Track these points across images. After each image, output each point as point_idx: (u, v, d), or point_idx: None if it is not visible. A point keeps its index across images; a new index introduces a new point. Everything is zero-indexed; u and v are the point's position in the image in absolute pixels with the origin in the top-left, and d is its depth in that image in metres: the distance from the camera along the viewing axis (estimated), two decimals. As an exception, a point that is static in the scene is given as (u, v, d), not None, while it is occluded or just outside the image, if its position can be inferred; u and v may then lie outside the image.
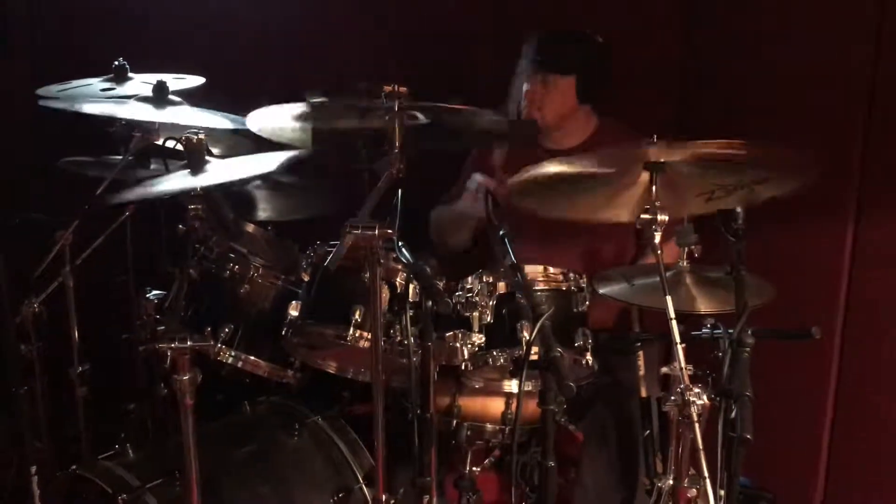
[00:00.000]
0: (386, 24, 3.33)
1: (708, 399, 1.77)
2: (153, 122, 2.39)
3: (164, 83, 2.36)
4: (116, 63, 2.45)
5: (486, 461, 2.33)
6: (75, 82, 2.46)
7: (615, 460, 2.38)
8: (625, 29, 2.91)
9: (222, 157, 2.54)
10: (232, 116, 2.39)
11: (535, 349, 1.81)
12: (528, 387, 1.96)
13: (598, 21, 2.83)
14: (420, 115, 2.04)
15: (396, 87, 1.92)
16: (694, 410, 1.76)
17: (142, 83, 2.43)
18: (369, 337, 1.98)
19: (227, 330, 2.32)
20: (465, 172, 2.88)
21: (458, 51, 3.23)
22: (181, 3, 3.39)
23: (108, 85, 2.42)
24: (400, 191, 1.94)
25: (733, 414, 1.71)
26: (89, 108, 2.24)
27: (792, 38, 2.70)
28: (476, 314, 2.07)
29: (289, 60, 3.39)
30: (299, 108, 2.07)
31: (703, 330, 1.93)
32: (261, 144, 2.33)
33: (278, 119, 2.12)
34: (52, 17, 3.53)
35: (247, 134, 2.24)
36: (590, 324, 2.17)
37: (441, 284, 2.07)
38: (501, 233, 2.12)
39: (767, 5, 2.76)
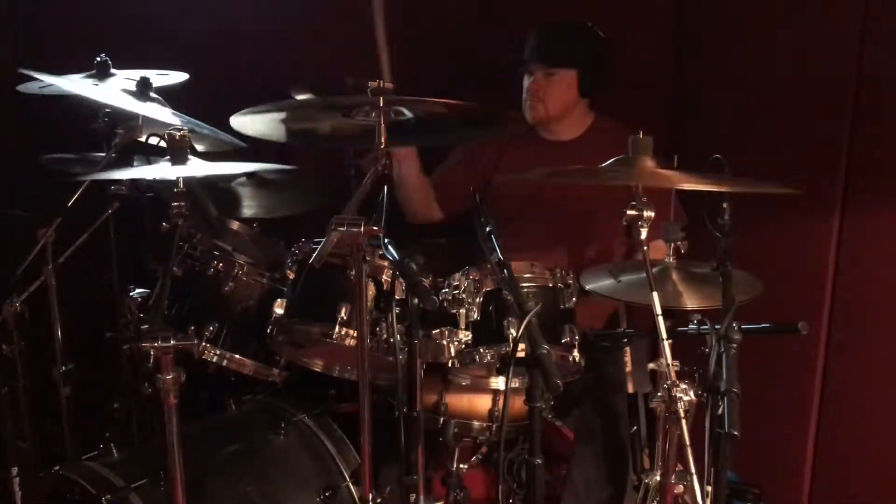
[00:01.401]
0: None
1: (695, 395, 1.77)
2: (136, 119, 2.36)
3: (148, 79, 2.34)
4: (98, 59, 2.43)
5: (474, 458, 2.33)
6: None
7: (603, 456, 2.39)
8: (619, 27, 2.91)
9: (206, 154, 2.52)
10: (209, 128, 2.36)
11: (521, 346, 1.80)
12: (515, 384, 1.96)
13: (593, 19, 2.83)
14: (406, 112, 2.03)
15: (382, 82, 1.90)
16: (681, 406, 1.76)
17: (125, 79, 2.40)
18: (355, 335, 1.97)
19: (211, 328, 2.30)
20: (454, 158, 2.88)
21: (455, 50, 3.22)
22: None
23: (90, 81, 2.40)
24: (386, 187, 1.93)
25: (720, 410, 1.71)
26: (71, 87, 2.22)
27: (782, 38, 2.71)
28: (463, 311, 2.07)
29: (278, 57, 3.37)
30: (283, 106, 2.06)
31: (690, 326, 1.93)
32: (245, 141, 2.31)
33: (262, 118, 2.11)
34: (35, 14, 3.50)
35: (230, 131, 2.22)
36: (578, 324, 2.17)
37: (427, 281, 2.06)
38: (488, 229, 2.11)
39: (758, 6, 2.76)
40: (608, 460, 2.37)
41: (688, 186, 1.84)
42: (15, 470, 2.31)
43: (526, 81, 2.69)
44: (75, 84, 2.28)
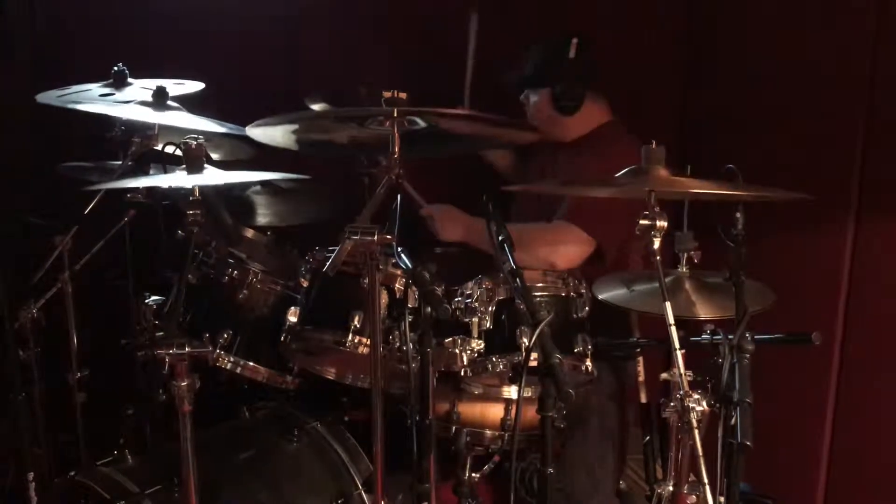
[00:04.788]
0: (386, 27, 3.33)
1: (707, 405, 1.76)
2: (152, 127, 2.38)
3: (164, 88, 2.36)
4: (116, 68, 2.45)
5: (486, 467, 2.33)
6: (74, 87, 2.46)
7: (614, 463, 2.38)
8: (628, 32, 2.91)
9: (222, 163, 2.54)
10: (231, 125, 2.39)
11: (534, 355, 1.80)
12: (528, 393, 1.96)
13: (600, 24, 2.82)
14: (419, 121, 2.04)
15: (396, 92, 1.92)
16: (693, 417, 1.75)
17: (141, 88, 2.42)
18: (368, 343, 1.97)
19: (225, 335, 2.32)
20: None
21: (459, 56, 3.23)
22: (181, 9, 3.39)
23: (107, 90, 2.42)
24: (399, 196, 1.94)
25: (733, 420, 1.70)
26: (88, 108, 2.25)
27: (792, 42, 2.70)
28: (475, 320, 2.07)
29: (290, 66, 3.39)
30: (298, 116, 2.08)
31: (703, 336, 1.93)
32: (260, 149, 2.33)
33: (277, 127, 2.12)
34: (53, 23, 3.53)
35: (245, 139, 2.23)
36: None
37: (440, 290, 2.07)
38: (501, 238, 2.11)
39: (768, 10, 2.76)
40: (621, 468, 2.37)
41: (702, 191, 1.84)
42: (31, 475, 2.33)
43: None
44: (83, 96, 2.31)
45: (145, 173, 2.42)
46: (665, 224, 1.83)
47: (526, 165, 2.87)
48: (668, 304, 1.78)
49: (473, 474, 2.26)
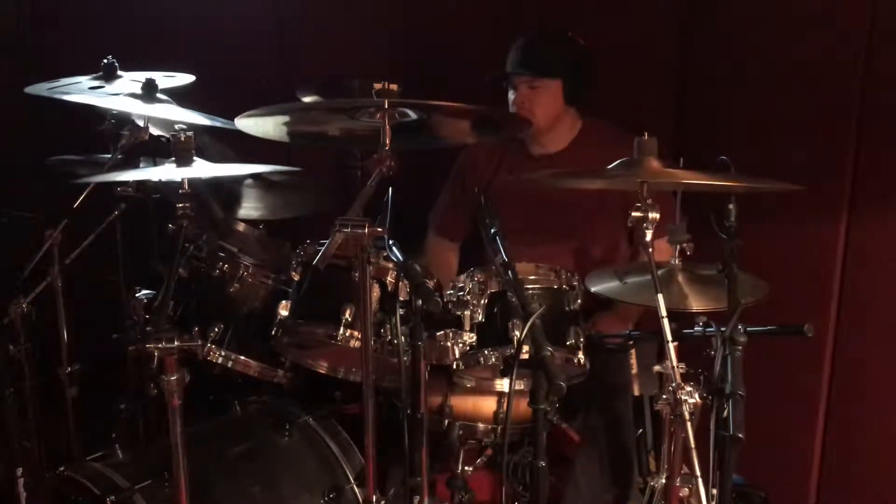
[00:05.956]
0: (384, 23, 3.32)
1: (700, 398, 1.76)
2: (142, 119, 2.37)
3: (153, 80, 2.35)
4: (105, 61, 2.43)
5: (479, 461, 2.32)
6: (64, 80, 2.44)
7: (608, 459, 2.38)
8: (623, 30, 2.90)
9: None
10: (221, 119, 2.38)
11: (526, 348, 1.80)
12: (520, 386, 1.96)
13: (597, 22, 2.81)
14: (410, 113, 2.03)
15: (387, 84, 1.90)
16: (686, 409, 1.74)
17: (131, 81, 2.41)
18: (359, 336, 1.96)
19: (216, 329, 2.30)
20: (455, 178, 2.86)
21: (455, 52, 3.22)
22: (172, 1, 3.37)
23: (96, 83, 2.40)
24: (391, 188, 1.93)
25: (725, 413, 1.70)
26: (77, 99, 2.24)
27: (786, 39, 2.69)
28: (467, 313, 2.06)
29: (282, 59, 3.38)
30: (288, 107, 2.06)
31: (696, 328, 1.92)
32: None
33: (268, 119, 2.11)
34: (43, 16, 3.51)
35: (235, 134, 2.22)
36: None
37: (432, 283, 2.06)
38: (493, 231, 2.11)
39: (763, 8, 2.75)
40: (612, 463, 2.36)
41: (694, 182, 1.84)
42: (20, 471, 2.32)
43: (511, 96, 2.63)
44: (72, 88, 2.29)
45: (135, 166, 2.41)
46: (657, 216, 1.83)
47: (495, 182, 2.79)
48: (660, 297, 1.77)
49: (466, 467, 2.26)
